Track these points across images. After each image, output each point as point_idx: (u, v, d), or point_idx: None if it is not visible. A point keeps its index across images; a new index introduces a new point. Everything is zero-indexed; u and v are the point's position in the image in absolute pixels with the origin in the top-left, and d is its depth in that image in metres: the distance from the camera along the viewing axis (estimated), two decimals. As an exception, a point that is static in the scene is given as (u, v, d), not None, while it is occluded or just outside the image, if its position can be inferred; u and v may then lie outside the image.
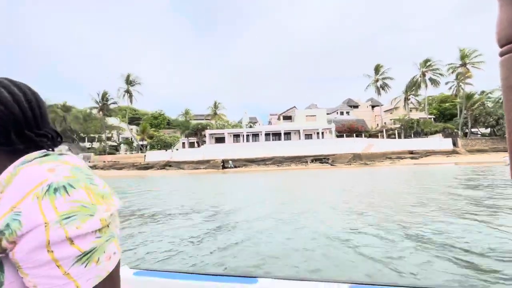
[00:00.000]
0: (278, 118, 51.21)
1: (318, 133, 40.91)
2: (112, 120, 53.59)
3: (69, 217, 0.41)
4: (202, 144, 45.45)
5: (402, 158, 33.85)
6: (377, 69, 48.37)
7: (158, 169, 39.20)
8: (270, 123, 58.45)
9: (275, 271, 3.06)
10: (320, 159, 33.93)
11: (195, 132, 48.08)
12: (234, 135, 42.39)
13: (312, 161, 33.94)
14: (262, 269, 3.11)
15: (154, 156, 43.41)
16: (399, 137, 43.73)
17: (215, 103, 57.28)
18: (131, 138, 53.48)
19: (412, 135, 43.15)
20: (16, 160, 0.48)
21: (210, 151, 38.01)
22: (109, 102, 49.44)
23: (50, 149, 0.54)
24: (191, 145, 49.67)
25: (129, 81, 48.56)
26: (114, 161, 45.32)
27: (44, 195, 0.41)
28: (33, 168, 0.44)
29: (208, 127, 44.96)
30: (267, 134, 41.28)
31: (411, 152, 35.00)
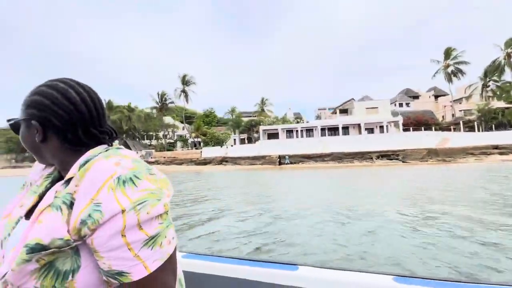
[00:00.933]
0: (334, 112, 48.84)
1: (381, 126, 37.86)
2: (167, 119, 57.31)
3: (141, 203, 0.46)
4: (254, 140, 45.80)
5: (488, 154, 29.32)
6: (447, 53, 42.67)
7: (216, 164, 40.56)
8: (318, 117, 56.30)
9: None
10: (388, 155, 31.27)
11: (248, 129, 48.67)
12: (287, 131, 41.67)
13: (378, 157, 31.50)
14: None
15: (210, 152, 45.11)
16: (478, 129, 38.11)
17: (262, 99, 57.15)
18: (185, 136, 56.52)
19: (493, 127, 37.21)
20: (80, 154, 0.53)
21: (265, 147, 37.99)
22: (167, 102, 52.79)
23: (110, 145, 0.57)
24: (242, 141, 50.45)
25: (185, 81, 51.13)
26: (173, 157, 48.36)
27: (117, 186, 0.46)
28: (102, 163, 0.49)
29: (261, 124, 44.99)
30: (322, 129, 39.64)
31: (495, 147, 30.10)
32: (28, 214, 0.53)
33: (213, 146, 49.18)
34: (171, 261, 0.51)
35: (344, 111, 45.50)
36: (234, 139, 51.61)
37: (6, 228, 0.53)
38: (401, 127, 37.21)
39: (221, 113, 66.74)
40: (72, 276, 0.46)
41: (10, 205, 0.58)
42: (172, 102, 53.40)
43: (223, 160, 41.32)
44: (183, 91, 51.51)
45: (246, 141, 49.58)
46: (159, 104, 52.64)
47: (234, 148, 42.50)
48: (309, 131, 40.90)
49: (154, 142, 56.87)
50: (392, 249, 3.90)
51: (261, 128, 42.14)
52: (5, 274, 0.46)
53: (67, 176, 0.50)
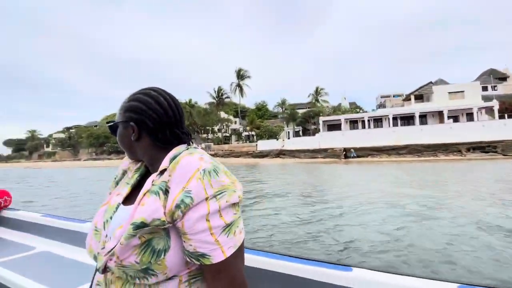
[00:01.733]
0: (406, 99, 43.28)
1: (469, 113, 32.00)
2: (222, 114, 58.83)
3: (221, 193, 0.54)
4: (311, 133, 43.58)
5: None
6: None
7: (273, 157, 39.81)
8: (382, 106, 50.78)
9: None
10: (482, 147, 26.15)
11: (306, 120, 46.63)
12: (350, 121, 38.41)
13: (468, 150, 26.58)
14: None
15: (265, 145, 44.64)
16: None
17: (317, 89, 54.04)
18: (239, 129, 57.22)
19: None
20: (167, 151, 0.62)
21: (326, 139, 35.64)
22: (223, 97, 53.98)
23: (188, 144, 0.66)
24: (297, 134, 48.65)
25: (240, 76, 51.39)
26: (231, 150, 49.48)
27: (203, 177, 0.53)
28: (189, 158, 0.56)
29: (320, 114, 42.46)
30: (394, 118, 35.33)
31: None
32: (125, 201, 0.64)
33: (267, 139, 48.83)
34: (241, 250, 0.57)
35: (419, 97, 39.70)
36: (288, 132, 50.19)
37: (108, 213, 0.63)
38: (496, 113, 30.82)
39: (270, 106, 65.91)
40: (164, 255, 0.54)
41: (112, 194, 0.70)
42: (228, 97, 54.40)
43: (280, 153, 40.34)
44: (238, 85, 51.89)
45: (301, 133, 47.66)
46: (216, 99, 54.09)
47: (291, 141, 41.08)
48: (378, 121, 36.93)
49: (210, 136, 59.15)
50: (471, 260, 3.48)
51: (321, 119, 39.66)
52: (114, 247, 0.54)
53: (160, 168, 0.58)
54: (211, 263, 0.53)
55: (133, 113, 0.63)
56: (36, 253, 1.38)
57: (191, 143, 0.66)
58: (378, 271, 0.75)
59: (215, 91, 53.99)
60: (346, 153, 32.12)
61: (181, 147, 0.63)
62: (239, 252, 0.57)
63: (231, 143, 54.39)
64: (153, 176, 0.59)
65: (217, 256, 0.53)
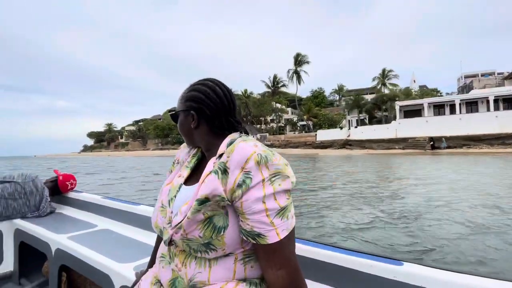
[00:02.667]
0: (509, 77, 35.76)
1: None
2: (276, 104, 57.35)
3: (275, 176, 0.57)
4: (384, 120, 39.24)
5: None
6: None
7: (338, 148, 37.10)
8: (467, 88, 42.76)
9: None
10: None
11: (375, 106, 42.25)
12: (435, 106, 33.18)
13: None
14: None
15: (326, 134, 41.90)
16: None
17: (384, 71, 48.34)
18: (293, 119, 55.14)
19: None
20: (222, 138, 0.66)
21: (404, 127, 31.48)
22: (279, 85, 52.40)
23: (241, 132, 0.70)
24: (362, 122, 44.47)
25: (297, 61, 48.96)
26: (287, 141, 48.12)
27: (260, 160, 0.56)
28: (244, 144, 0.60)
29: (396, 99, 37.74)
30: (495, 101, 29.23)
31: None
32: (185, 182, 0.71)
33: (327, 128, 46.24)
34: (293, 234, 0.60)
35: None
36: (349, 120, 46.31)
37: (172, 192, 0.69)
38: None
39: (328, 93, 61.68)
40: (223, 232, 0.58)
41: (171, 176, 0.77)
42: (284, 85, 52.65)
43: (346, 144, 37.33)
44: (296, 72, 49.58)
45: (367, 121, 43.40)
46: (272, 87, 52.84)
47: (359, 129, 37.57)
48: (471, 104, 31.13)
49: (263, 126, 58.53)
50: None
51: (398, 104, 35.06)
52: (181, 221, 0.59)
53: (219, 152, 0.63)
54: (266, 243, 0.56)
55: (193, 102, 0.68)
56: (98, 230, 1.55)
57: (242, 132, 0.69)
58: (430, 267, 0.72)
59: (270, 80, 52.66)
60: (434, 143, 27.79)
61: (235, 134, 0.67)
62: (291, 236, 0.59)
63: (286, 134, 52.93)
64: (213, 159, 0.63)
65: (272, 237, 0.56)
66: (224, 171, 0.59)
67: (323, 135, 42.47)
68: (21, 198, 1.78)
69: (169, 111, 0.75)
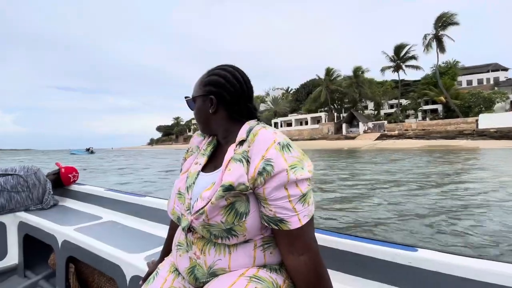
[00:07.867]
0: None
1: None
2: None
3: (295, 165, 0.57)
4: None
5: None
6: None
7: (497, 138, 24.68)
8: None
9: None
10: None
11: None
12: None
13: None
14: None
15: (495, 120, 29.75)
16: None
17: None
18: (406, 104, 42.70)
19: None
20: (240, 125, 0.66)
21: None
22: (407, 56, 40.39)
23: (258, 119, 0.70)
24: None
25: (440, 24, 36.42)
26: (424, 129, 36.41)
27: (281, 148, 0.57)
28: (264, 131, 0.60)
29: None
30: None
31: None
32: (203, 169, 0.70)
33: (480, 111, 34.43)
34: (313, 220, 0.61)
35: None
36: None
37: (190, 179, 0.69)
38: None
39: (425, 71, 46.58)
40: (245, 218, 0.59)
41: (187, 164, 0.76)
42: (413, 57, 40.53)
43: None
44: (436, 36, 37.03)
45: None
46: (397, 61, 41.06)
47: None
48: None
49: (369, 112, 47.07)
50: None
51: None
52: (204, 207, 0.59)
53: (239, 139, 0.63)
54: (288, 228, 0.57)
55: (213, 87, 0.66)
56: (104, 221, 1.55)
57: (259, 119, 0.69)
58: (445, 252, 0.74)
59: (393, 54, 40.91)
60: None
61: (253, 121, 0.67)
62: (312, 222, 0.60)
63: (404, 121, 40.98)
64: (233, 146, 0.63)
65: (294, 223, 0.56)
66: (247, 160, 0.59)
67: (490, 120, 30.35)
68: (24, 191, 1.77)
69: (186, 97, 0.74)
